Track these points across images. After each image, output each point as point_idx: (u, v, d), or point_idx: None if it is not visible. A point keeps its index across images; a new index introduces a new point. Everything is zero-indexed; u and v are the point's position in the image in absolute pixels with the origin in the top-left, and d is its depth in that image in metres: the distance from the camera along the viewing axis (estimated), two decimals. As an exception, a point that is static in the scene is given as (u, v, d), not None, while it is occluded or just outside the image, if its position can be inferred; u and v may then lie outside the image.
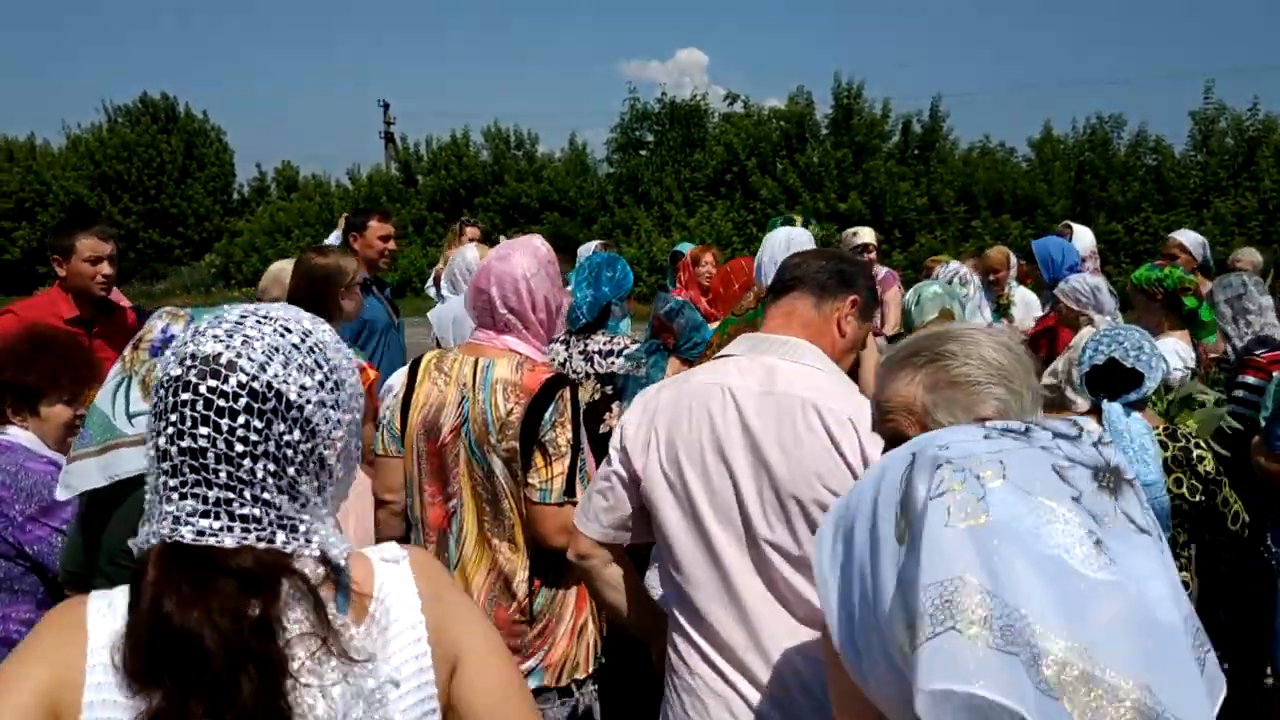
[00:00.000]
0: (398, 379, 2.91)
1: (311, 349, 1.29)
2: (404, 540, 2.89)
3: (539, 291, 2.78)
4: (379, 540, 2.98)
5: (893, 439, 1.65)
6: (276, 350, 1.25)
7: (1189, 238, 6.06)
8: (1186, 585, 3.18)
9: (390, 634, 1.28)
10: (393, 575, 1.33)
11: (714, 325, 3.70)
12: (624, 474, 2.22)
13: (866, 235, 7.10)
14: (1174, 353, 4.47)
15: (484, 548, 2.71)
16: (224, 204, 36.67)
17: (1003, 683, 0.80)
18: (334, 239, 5.79)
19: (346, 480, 1.36)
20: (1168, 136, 24.78)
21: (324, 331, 1.33)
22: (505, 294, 2.73)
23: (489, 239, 8.31)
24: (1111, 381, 3.19)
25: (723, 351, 2.24)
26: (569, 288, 3.82)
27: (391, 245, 5.60)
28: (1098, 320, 4.89)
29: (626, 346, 3.65)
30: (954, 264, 6.00)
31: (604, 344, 3.70)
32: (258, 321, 1.28)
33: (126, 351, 2.23)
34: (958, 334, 1.66)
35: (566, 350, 3.74)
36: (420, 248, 31.45)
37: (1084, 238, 6.41)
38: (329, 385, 1.30)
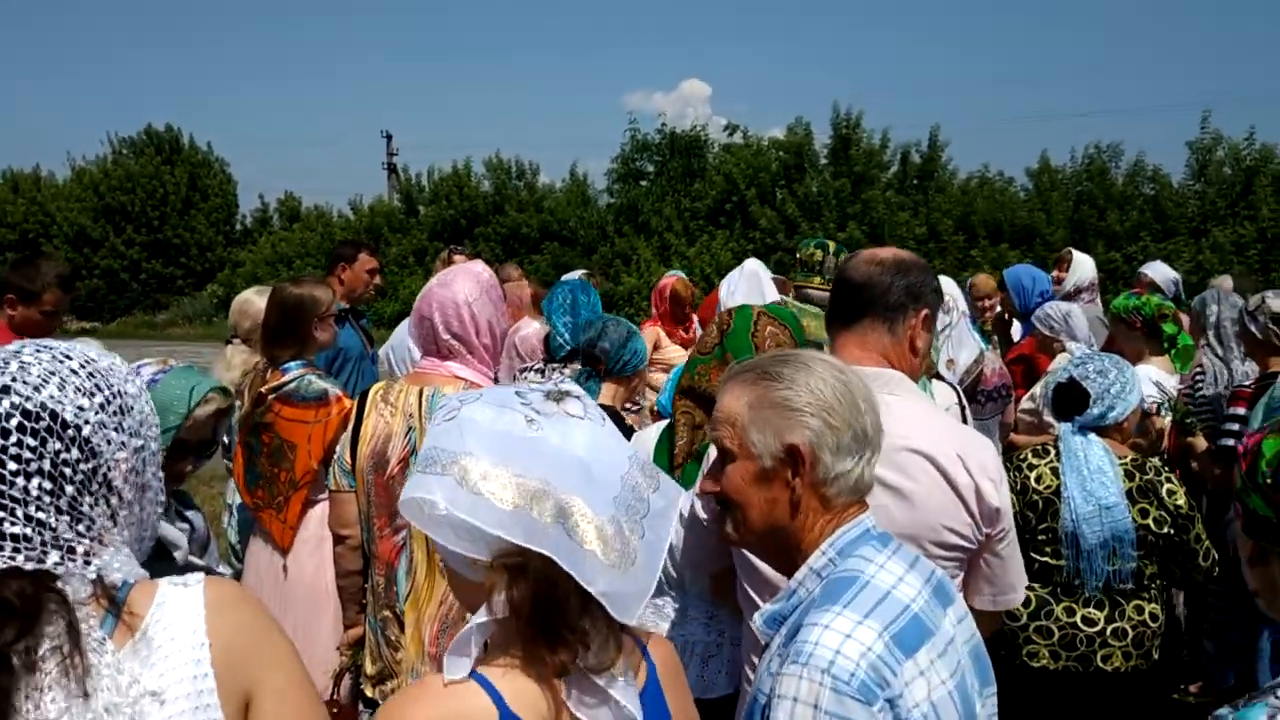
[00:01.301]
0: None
1: (92, 374, 1.33)
2: (363, 575, 2.87)
3: (482, 316, 2.78)
4: (338, 574, 2.96)
5: (719, 449, 1.67)
6: (53, 374, 1.30)
7: (1159, 272, 6.02)
8: (1155, 618, 3.13)
9: (162, 653, 1.29)
10: (177, 598, 1.34)
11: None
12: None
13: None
14: (1150, 380, 4.46)
15: (435, 579, 2.69)
16: (227, 235, 36.82)
17: (438, 488, 1.32)
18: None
19: (145, 508, 1.38)
20: (1165, 166, 24.76)
21: (111, 360, 1.38)
22: (448, 319, 2.74)
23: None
24: (1079, 404, 3.18)
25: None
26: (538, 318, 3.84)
27: (378, 280, 5.64)
28: (1071, 347, 4.89)
29: (537, 364, 3.64)
30: (945, 284, 5.98)
31: (522, 363, 3.70)
32: (35, 350, 1.33)
33: None
34: (798, 359, 1.67)
35: (541, 379, 3.74)
36: (422, 278, 31.47)
37: (1083, 266, 6.33)
38: (110, 408, 1.33)
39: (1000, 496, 2.04)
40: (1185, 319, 5.43)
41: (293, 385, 3.54)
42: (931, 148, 27.04)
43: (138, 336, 29.20)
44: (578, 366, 3.63)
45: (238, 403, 3.69)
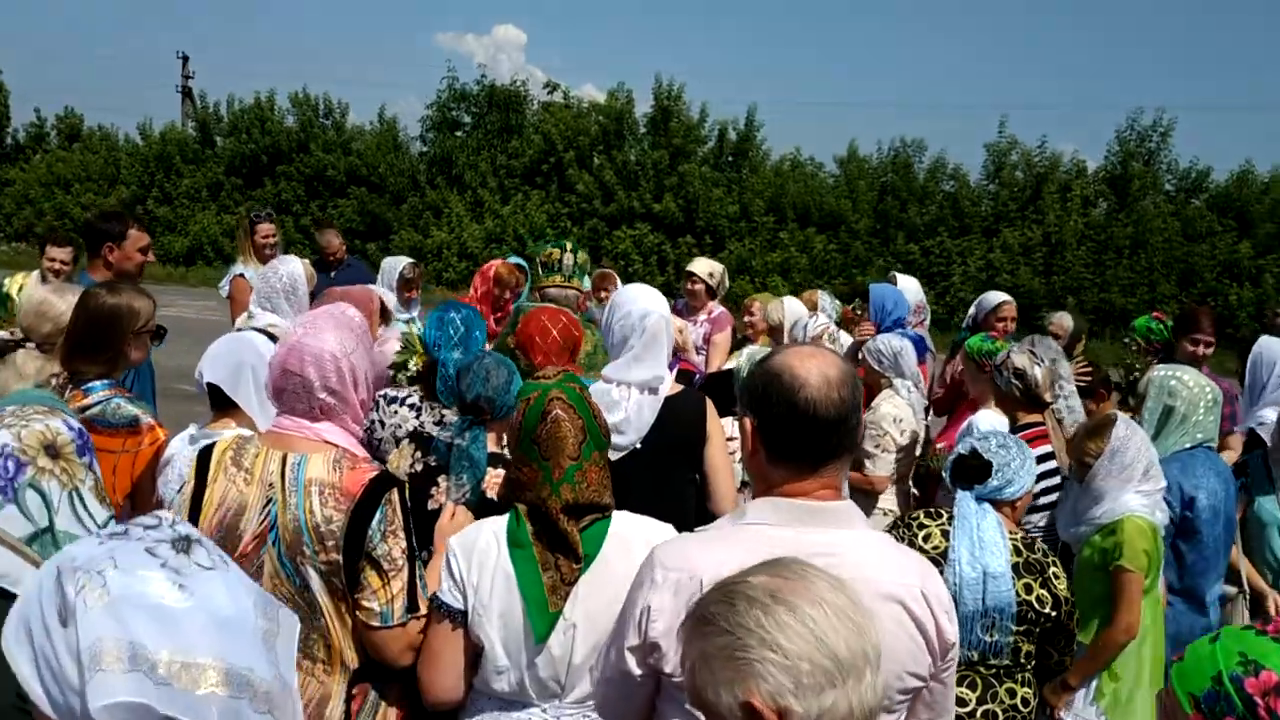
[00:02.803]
0: (182, 463, 2.53)
1: None
2: None
3: (360, 369, 2.47)
4: None
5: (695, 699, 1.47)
6: None
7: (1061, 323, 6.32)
8: (1027, 703, 3.11)
9: None
10: None
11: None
12: (647, 672, 1.92)
13: (699, 266, 6.92)
14: (991, 424, 4.53)
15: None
16: (-7, 148, 33.70)
17: (131, 688, 1.20)
18: (286, 270, 4.81)
19: None
20: (965, 164, 25.99)
21: None
22: (325, 375, 2.40)
23: (291, 212, 7.79)
24: (978, 474, 3.17)
25: (751, 519, 1.93)
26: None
27: (150, 258, 4.85)
28: (897, 384, 4.93)
29: (410, 396, 3.32)
30: (792, 308, 5.93)
31: (394, 391, 3.37)
32: None
33: (47, 464, 1.85)
34: (735, 589, 1.44)
35: (418, 418, 3.35)
36: (214, 214, 29.85)
37: (910, 289, 6.42)
38: None
39: (954, 629, 1.94)
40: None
41: (97, 409, 3.08)
42: (748, 126, 27.43)
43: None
44: (453, 417, 3.32)
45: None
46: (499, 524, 2.34)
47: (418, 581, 2.39)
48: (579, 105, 28.68)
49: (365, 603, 2.32)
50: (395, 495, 2.37)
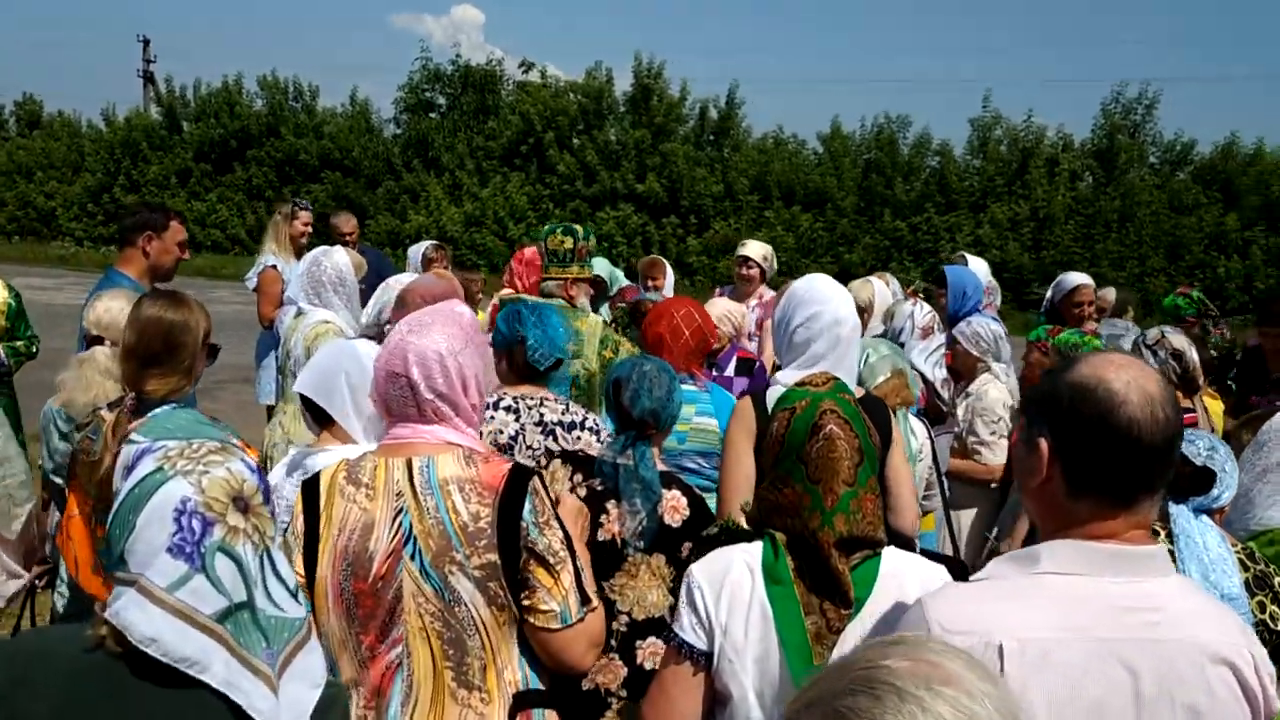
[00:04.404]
0: (289, 492, 2.18)
1: None
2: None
3: (469, 370, 2.17)
4: None
5: None
6: None
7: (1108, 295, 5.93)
8: None
9: None
10: None
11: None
12: None
13: (754, 249, 6.60)
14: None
15: (443, 704, 2.06)
16: (-51, 136, 32.72)
17: None
18: (331, 262, 4.49)
19: None
20: (951, 140, 25.76)
21: None
22: (430, 376, 2.11)
23: (287, 200, 7.45)
24: (1196, 484, 2.78)
25: (1048, 567, 1.61)
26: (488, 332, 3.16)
27: (187, 254, 4.53)
28: (996, 368, 4.64)
29: (588, 418, 3.01)
30: (882, 291, 5.53)
31: (561, 413, 3.05)
32: None
33: (238, 521, 1.49)
34: (883, 682, 1.04)
35: (517, 420, 3.07)
36: (184, 200, 29.12)
37: (980, 270, 5.99)
38: None
39: (1276, 697, 1.63)
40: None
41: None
42: (729, 104, 27.06)
43: None
44: (554, 404, 3.00)
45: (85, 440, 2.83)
46: (752, 554, 1.99)
47: (580, 571, 2.15)
48: (556, 84, 28.18)
49: (540, 605, 2.07)
50: (539, 483, 2.13)
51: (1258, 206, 22.16)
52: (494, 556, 2.02)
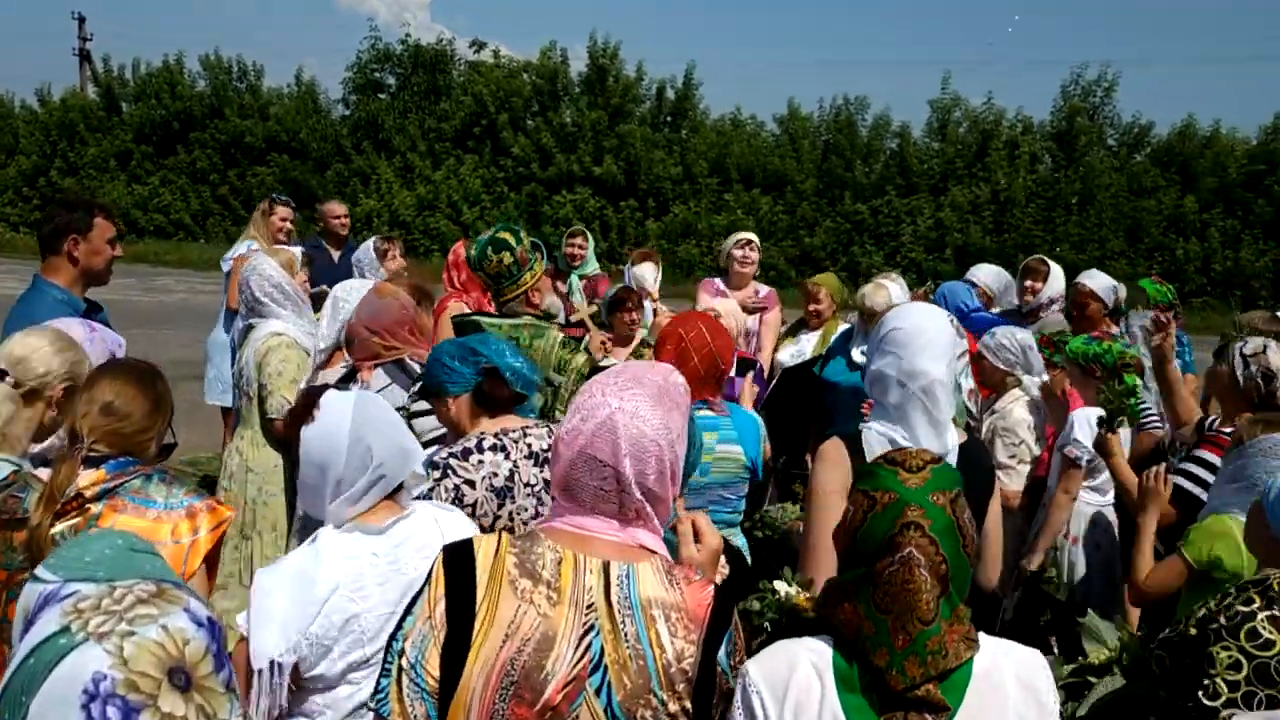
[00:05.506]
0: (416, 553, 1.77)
1: None
2: None
3: (681, 458, 1.75)
4: None
5: None
6: None
7: (1099, 282, 5.42)
8: None
9: None
10: None
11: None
12: None
13: (756, 238, 6.33)
14: (1091, 423, 3.95)
15: None
16: None
17: None
18: (261, 271, 4.28)
19: None
20: (911, 121, 25.52)
21: None
22: (644, 472, 1.67)
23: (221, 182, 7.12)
24: None
25: None
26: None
27: (118, 251, 3.88)
28: (1026, 382, 4.31)
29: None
30: (899, 296, 5.08)
31: (547, 438, 2.71)
32: None
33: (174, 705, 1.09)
34: None
35: (507, 458, 2.70)
36: (125, 184, 28.17)
37: (1057, 281, 5.68)
38: None
39: None
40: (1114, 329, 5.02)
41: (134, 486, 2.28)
42: (686, 85, 26.61)
43: None
44: (538, 431, 2.64)
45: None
46: (819, 652, 1.64)
47: None
48: (510, 64, 27.55)
49: None
50: (735, 614, 1.72)
51: (1214, 189, 22.20)
52: (689, 704, 1.62)
